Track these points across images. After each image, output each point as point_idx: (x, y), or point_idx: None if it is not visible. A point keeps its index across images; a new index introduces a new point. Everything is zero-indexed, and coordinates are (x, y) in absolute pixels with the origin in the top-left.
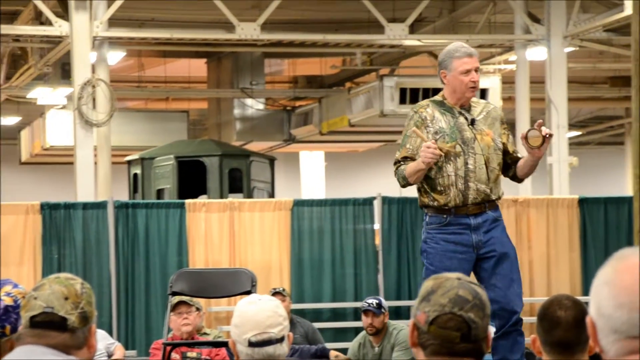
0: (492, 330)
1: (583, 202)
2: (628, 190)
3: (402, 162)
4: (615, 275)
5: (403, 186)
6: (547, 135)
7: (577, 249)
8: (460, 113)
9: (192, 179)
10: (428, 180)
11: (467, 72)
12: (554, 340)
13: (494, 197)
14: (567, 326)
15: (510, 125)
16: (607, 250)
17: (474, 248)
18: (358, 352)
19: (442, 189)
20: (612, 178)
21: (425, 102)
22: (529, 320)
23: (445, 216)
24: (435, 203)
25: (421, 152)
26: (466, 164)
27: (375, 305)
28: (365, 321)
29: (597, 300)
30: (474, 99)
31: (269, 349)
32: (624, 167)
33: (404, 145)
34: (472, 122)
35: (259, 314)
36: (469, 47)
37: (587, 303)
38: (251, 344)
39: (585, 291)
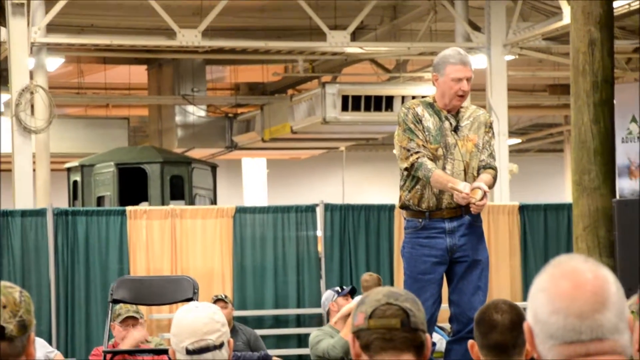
0: (438, 338)
1: (523, 208)
2: (567, 197)
3: (420, 152)
4: (551, 282)
5: (421, 177)
6: (484, 193)
7: (518, 255)
8: (447, 118)
9: (133, 186)
10: (410, 178)
11: (458, 80)
12: (490, 343)
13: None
14: (503, 329)
15: None
16: (547, 257)
17: (449, 252)
18: (327, 335)
19: (418, 189)
20: (552, 185)
21: (416, 101)
22: None
23: (420, 220)
24: (411, 202)
25: (456, 195)
26: (444, 168)
27: (353, 288)
28: (345, 304)
29: (534, 306)
30: (464, 104)
31: (207, 356)
32: (563, 174)
33: (415, 137)
34: (456, 129)
35: (195, 321)
36: (465, 56)
37: (526, 309)
38: (189, 352)
39: (526, 297)
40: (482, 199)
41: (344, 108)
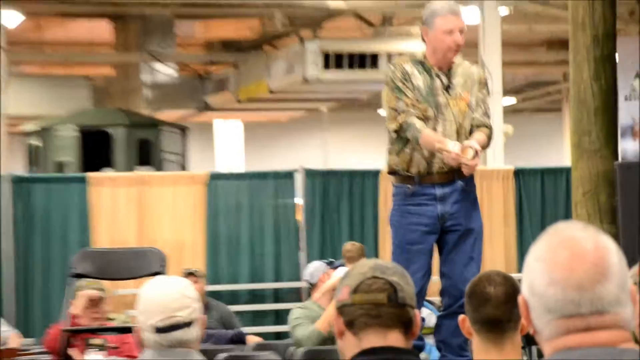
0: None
1: (518, 173)
2: (566, 161)
3: (409, 111)
4: (548, 251)
5: (410, 139)
6: (476, 152)
7: (513, 223)
8: (437, 76)
9: (96, 151)
10: (398, 141)
11: (450, 32)
12: (482, 317)
13: None
14: (496, 302)
15: None
16: (544, 225)
17: (439, 220)
18: (309, 314)
19: (406, 152)
20: (550, 147)
21: (404, 58)
22: None
23: (409, 186)
24: (399, 167)
25: (445, 156)
26: (434, 130)
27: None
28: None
29: (530, 277)
30: (456, 60)
31: (177, 334)
32: (561, 136)
33: (404, 95)
34: (447, 87)
35: (164, 296)
36: (456, 5)
37: (522, 281)
38: (157, 330)
39: (521, 268)
40: (473, 158)
41: (326, 66)
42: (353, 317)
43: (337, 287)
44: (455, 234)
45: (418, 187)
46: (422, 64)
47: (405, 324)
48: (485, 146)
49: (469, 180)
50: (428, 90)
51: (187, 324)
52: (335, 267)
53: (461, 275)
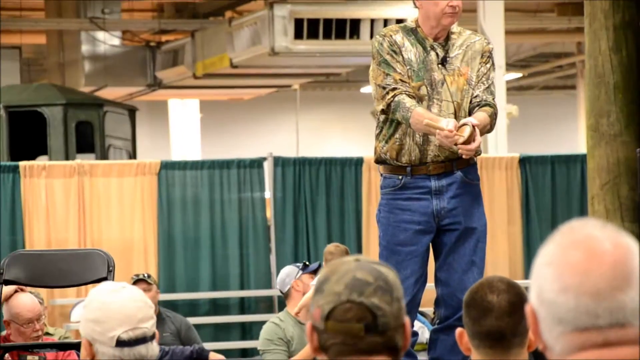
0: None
1: (525, 161)
2: (581, 147)
3: (397, 88)
4: (560, 253)
5: (400, 120)
6: (473, 128)
7: (518, 221)
8: (432, 48)
9: (27, 135)
10: (387, 124)
11: None
12: (483, 330)
13: None
14: (500, 313)
15: None
16: (555, 223)
17: (435, 217)
18: (284, 334)
19: (397, 138)
20: (561, 131)
21: (394, 27)
22: None
23: (400, 177)
24: (388, 156)
25: (437, 136)
26: (429, 111)
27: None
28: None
29: (539, 283)
30: (455, 28)
31: (142, 349)
32: (575, 118)
33: (392, 70)
34: (443, 61)
35: (127, 305)
36: None
37: (529, 288)
38: (121, 343)
39: (528, 273)
40: (471, 137)
41: (298, 35)
42: (327, 344)
43: (311, 300)
44: (453, 234)
45: (410, 178)
46: (414, 33)
47: (391, 349)
48: (487, 128)
49: (471, 171)
50: (421, 65)
51: (152, 338)
52: (313, 272)
53: (460, 282)
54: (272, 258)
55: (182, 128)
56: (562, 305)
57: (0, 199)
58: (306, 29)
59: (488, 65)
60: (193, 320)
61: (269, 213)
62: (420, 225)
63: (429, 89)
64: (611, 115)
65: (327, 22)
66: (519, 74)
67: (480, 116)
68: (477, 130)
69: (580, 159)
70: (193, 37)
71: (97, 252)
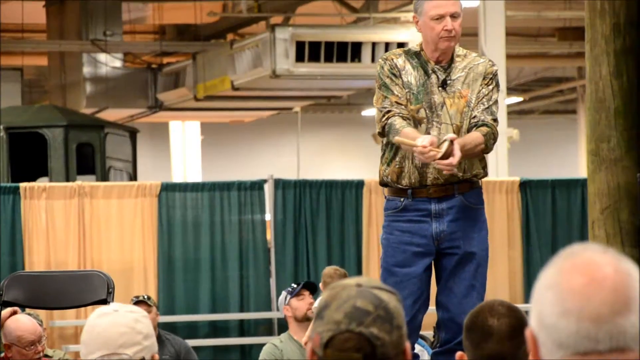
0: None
1: (526, 185)
2: (581, 171)
3: (392, 111)
4: (560, 277)
5: (387, 141)
6: (451, 143)
7: (518, 245)
8: (434, 71)
9: (28, 157)
10: (389, 147)
11: (440, 17)
12: (484, 354)
13: (466, 176)
14: (500, 337)
15: None
16: (555, 247)
17: (434, 240)
18: (281, 356)
19: (397, 161)
20: (562, 155)
21: (398, 50)
22: None
23: (402, 199)
24: (390, 179)
25: (416, 155)
26: (428, 134)
27: (311, 282)
28: (301, 304)
29: (539, 307)
30: (460, 51)
31: None
32: (576, 142)
33: (390, 93)
34: (444, 84)
35: (109, 329)
36: None
37: (529, 312)
38: None
39: (528, 297)
40: (448, 152)
41: (299, 58)
42: None
43: (311, 325)
44: (453, 258)
45: (411, 201)
46: (417, 57)
47: None
48: (480, 147)
49: (473, 195)
50: (421, 88)
51: None
52: (298, 293)
53: (460, 306)
54: (272, 280)
55: (183, 150)
56: (563, 329)
57: (1, 220)
58: (308, 51)
59: (490, 87)
60: (192, 342)
61: (269, 235)
62: (419, 247)
63: (427, 111)
64: (612, 140)
65: (329, 45)
66: (519, 98)
67: (471, 135)
68: (457, 145)
69: (581, 184)
70: (194, 60)
71: (97, 274)
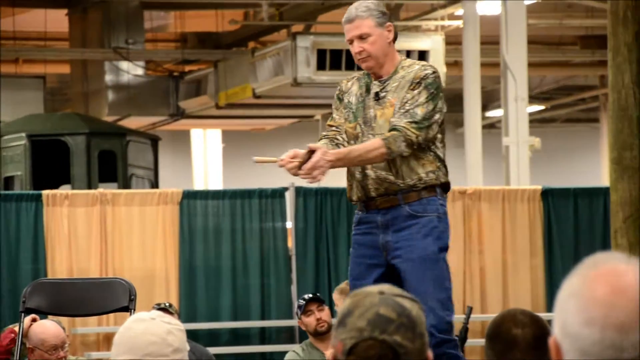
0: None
1: (547, 194)
2: (603, 180)
3: (324, 134)
4: (584, 286)
5: None
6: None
7: (540, 254)
8: (373, 87)
9: (50, 164)
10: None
11: (350, 43)
12: None
13: (406, 183)
14: (525, 347)
15: (456, 98)
16: (578, 256)
17: (383, 251)
18: None
19: (347, 178)
20: (585, 164)
21: (357, 73)
22: (479, 342)
23: (359, 213)
24: (348, 195)
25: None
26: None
27: (314, 295)
28: (310, 320)
29: (563, 316)
30: (406, 63)
31: None
32: (598, 150)
33: (331, 118)
34: (376, 96)
35: (141, 335)
36: (352, 10)
37: (552, 321)
38: None
39: (550, 307)
40: (304, 160)
41: (320, 66)
42: None
43: (333, 331)
44: (400, 268)
45: (364, 214)
46: (368, 77)
47: None
48: (378, 153)
49: (421, 204)
50: (360, 105)
51: None
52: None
53: None
54: (293, 288)
55: (204, 158)
56: (587, 338)
57: (23, 227)
58: (329, 59)
59: (416, 91)
60: (214, 350)
61: (291, 243)
62: (371, 259)
63: (363, 126)
64: (634, 149)
65: (350, 53)
66: (541, 107)
67: (367, 142)
68: (318, 154)
69: (603, 192)
70: (216, 68)
71: (118, 281)
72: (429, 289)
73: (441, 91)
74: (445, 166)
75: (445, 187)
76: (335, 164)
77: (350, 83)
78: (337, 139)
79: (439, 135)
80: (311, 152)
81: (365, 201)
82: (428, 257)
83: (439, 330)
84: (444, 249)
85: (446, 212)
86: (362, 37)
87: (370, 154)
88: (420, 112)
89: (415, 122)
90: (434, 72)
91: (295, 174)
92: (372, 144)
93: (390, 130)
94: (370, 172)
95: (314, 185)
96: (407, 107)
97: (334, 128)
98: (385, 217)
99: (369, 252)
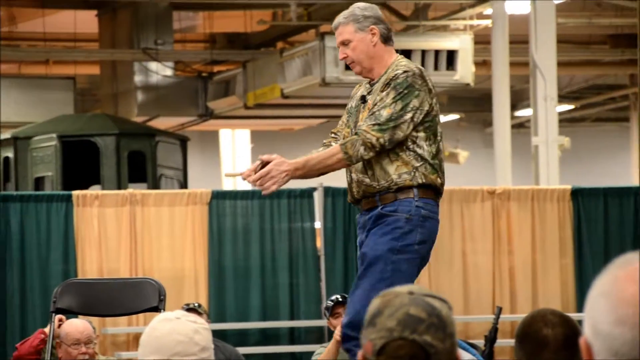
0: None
1: (577, 193)
2: (634, 179)
3: (323, 143)
4: (615, 285)
5: None
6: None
7: (570, 253)
8: (365, 90)
9: (80, 165)
10: None
11: (339, 49)
12: None
13: (381, 185)
14: (556, 347)
15: (485, 97)
16: (608, 255)
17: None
18: None
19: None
20: (614, 163)
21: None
22: (509, 343)
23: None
24: None
25: None
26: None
27: (342, 296)
28: (337, 322)
29: (593, 315)
30: (396, 63)
31: None
32: (628, 150)
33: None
34: (363, 100)
35: (168, 335)
36: (340, 16)
37: (582, 322)
38: None
39: (581, 307)
40: (256, 171)
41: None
42: None
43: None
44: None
45: (358, 215)
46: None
47: None
48: (336, 159)
49: (393, 205)
50: (354, 109)
51: None
52: (335, 313)
53: (349, 304)
54: (322, 288)
55: (233, 158)
56: (618, 337)
57: (54, 228)
58: None
59: (384, 92)
60: (243, 350)
61: (319, 243)
62: (359, 258)
63: (353, 129)
64: None
65: None
66: (571, 106)
67: (325, 150)
68: (270, 165)
69: (634, 192)
70: (244, 68)
71: (148, 281)
72: (364, 284)
73: (418, 89)
74: (431, 164)
75: (427, 187)
76: (293, 173)
77: (358, 88)
78: (332, 145)
79: (422, 134)
80: (265, 163)
81: (355, 203)
82: (375, 254)
83: (352, 327)
84: (403, 250)
85: (423, 214)
86: (344, 44)
87: (329, 160)
88: (385, 113)
89: (378, 124)
90: (405, 72)
91: (255, 186)
92: (330, 150)
93: (353, 135)
94: (353, 175)
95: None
96: (374, 110)
97: (332, 135)
98: (364, 218)
99: (358, 251)
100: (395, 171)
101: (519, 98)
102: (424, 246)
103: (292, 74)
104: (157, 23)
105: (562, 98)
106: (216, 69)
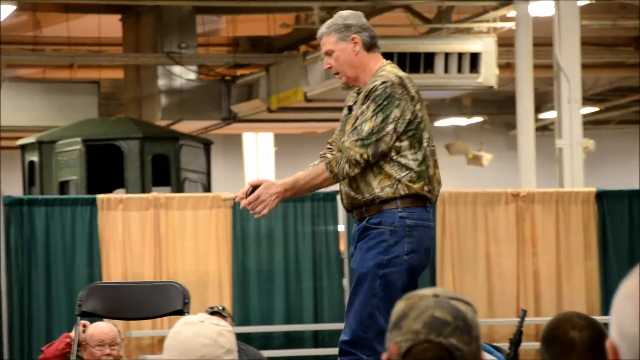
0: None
1: (602, 196)
2: None
3: (320, 154)
4: None
5: None
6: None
7: (595, 256)
8: (351, 99)
9: (105, 169)
10: None
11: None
12: None
13: (365, 198)
14: (582, 350)
15: (509, 100)
16: (634, 257)
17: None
18: None
19: None
20: (638, 166)
21: None
22: (534, 346)
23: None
24: None
25: None
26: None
27: None
28: None
29: (619, 318)
30: (377, 74)
31: None
32: None
33: None
34: (349, 110)
35: (192, 339)
36: (323, 26)
37: (607, 324)
38: None
39: (606, 310)
40: (246, 195)
41: None
42: None
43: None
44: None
45: (355, 226)
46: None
47: None
48: (322, 178)
49: (380, 216)
50: (345, 119)
51: None
52: None
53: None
54: (346, 291)
55: (256, 161)
56: None
57: (78, 231)
58: None
59: (364, 106)
60: (267, 353)
61: (343, 246)
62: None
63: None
64: None
65: (401, 55)
66: (595, 108)
67: (313, 169)
68: (259, 189)
69: None
70: (268, 71)
71: (172, 285)
72: (356, 303)
73: (398, 98)
74: (417, 172)
75: (411, 197)
76: (284, 194)
77: (350, 95)
78: (327, 157)
79: (405, 143)
80: (255, 187)
81: (349, 213)
82: (362, 271)
83: (350, 344)
84: (390, 263)
85: (409, 224)
86: (328, 54)
87: (316, 180)
88: (367, 127)
89: (361, 139)
90: (383, 82)
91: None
92: (316, 169)
93: (338, 151)
94: (342, 187)
95: None
96: (356, 124)
97: (328, 146)
98: (354, 229)
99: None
100: (378, 185)
101: (543, 100)
102: (414, 255)
103: (315, 77)
104: (180, 27)
105: (587, 100)
106: (239, 72)
